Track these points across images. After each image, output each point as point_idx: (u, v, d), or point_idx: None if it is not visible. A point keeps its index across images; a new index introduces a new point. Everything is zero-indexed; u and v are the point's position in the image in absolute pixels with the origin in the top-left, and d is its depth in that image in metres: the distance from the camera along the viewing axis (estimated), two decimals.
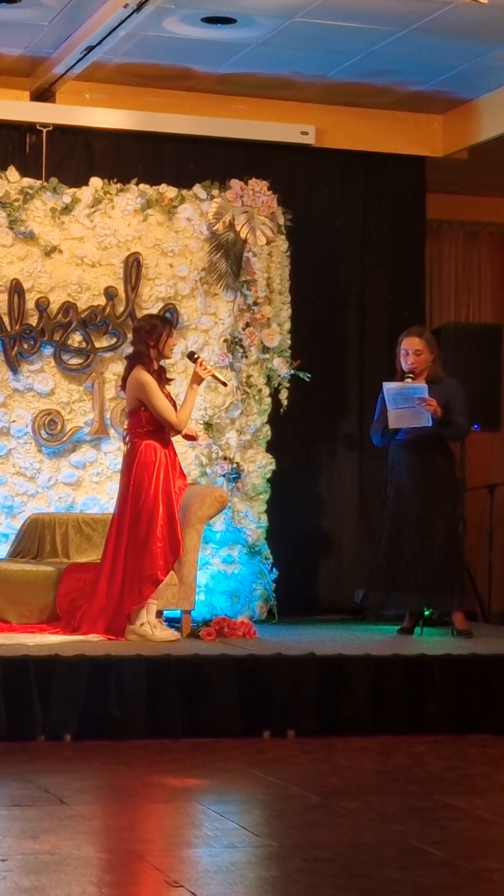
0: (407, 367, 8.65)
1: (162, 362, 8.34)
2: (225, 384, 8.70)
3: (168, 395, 8.28)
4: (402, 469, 8.69)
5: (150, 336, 8.23)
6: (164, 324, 8.38)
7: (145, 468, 8.13)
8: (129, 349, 8.57)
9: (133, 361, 8.28)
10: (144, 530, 8.07)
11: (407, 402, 8.54)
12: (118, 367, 9.17)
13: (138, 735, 7.09)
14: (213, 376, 8.45)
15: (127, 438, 8.37)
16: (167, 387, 8.34)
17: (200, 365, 8.34)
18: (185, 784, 6.34)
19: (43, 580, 8.40)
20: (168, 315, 9.18)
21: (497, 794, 6.13)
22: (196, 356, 8.45)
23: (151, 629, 8.00)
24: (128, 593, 8.04)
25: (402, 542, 8.63)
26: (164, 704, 7.16)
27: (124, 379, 8.34)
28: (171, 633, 8.05)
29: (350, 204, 10.30)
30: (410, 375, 8.63)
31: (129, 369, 8.29)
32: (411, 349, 8.69)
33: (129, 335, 8.96)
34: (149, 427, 8.21)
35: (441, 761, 6.84)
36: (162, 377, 8.28)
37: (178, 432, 8.25)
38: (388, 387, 8.60)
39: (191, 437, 8.55)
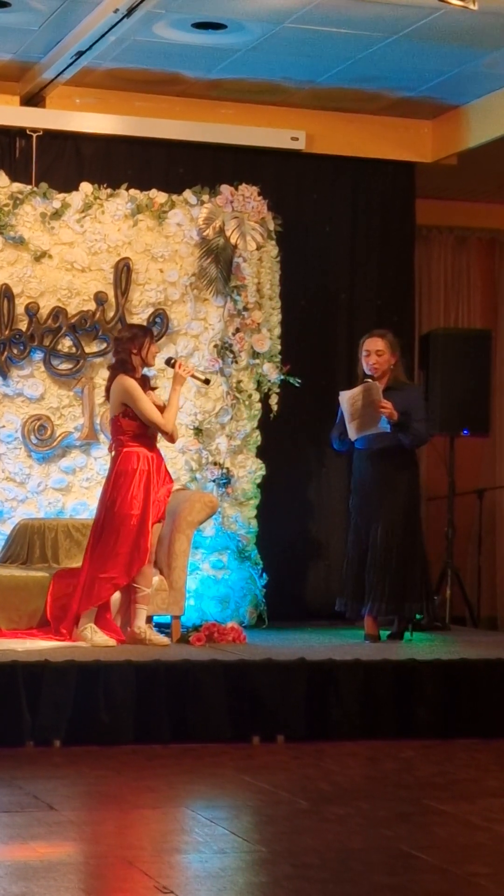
0: (368, 369, 8.62)
1: (145, 370, 8.37)
2: (206, 382, 8.69)
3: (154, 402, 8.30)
4: (363, 479, 8.66)
5: (133, 344, 8.25)
6: (145, 332, 8.41)
7: (124, 476, 8.16)
8: (112, 360, 8.57)
9: (116, 370, 8.30)
10: (115, 535, 8.10)
11: (362, 406, 8.48)
12: (108, 373, 9.16)
13: (127, 740, 7.08)
14: (193, 376, 8.51)
15: (112, 446, 8.40)
16: (153, 394, 8.35)
17: (179, 367, 8.39)
18: (174, 790, 6.34)
19: (32, 586, 8.40)
20: (158, 320, 9.20)
21: (486, 799, 6.13)
22: (173, 360, 8.51)
23: (91, 633, 7.99)
24: (85, 594, 8.06)
25: (354, 552, 8.65)
26: (153, 710, 7.16)
27: (107, 388, 8.36)
28: (107, 639, 7.99)
29: (340, 209, 10.31)
30: (369, 378, 8.59)
31: (111, 378, 8.31)
32: (373, 350, 8.64)
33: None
34: (130, 433, 8.23)
35: (430, 766, 6.85)
36: (146, 385, 8.31)
37: (166, 433, 8.26)
38: (344, 396, 8.56)
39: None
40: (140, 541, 8.11)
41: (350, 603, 8.72)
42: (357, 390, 8.55)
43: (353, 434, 8.56)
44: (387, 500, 8.58)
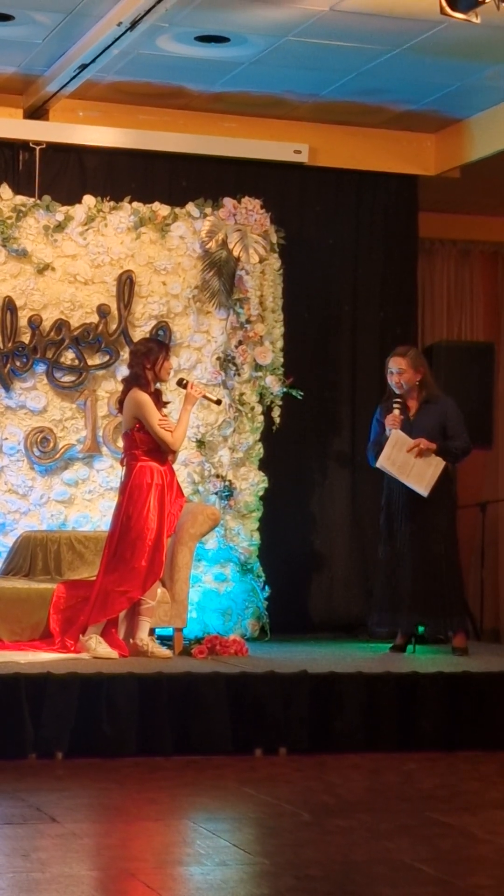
0: (393, 386, 8.69)
1: (158, 385, 8.38)
2: (218, 402, 8.75)
3: (165, 418, 8.29)
4: (398, 488, 8.66)
5: (147, 358, 8.28)
6: (161, 347, 8.43)
7: (139, 490, 8.17)
8: (126, 372, 8.58)
9: (130, 384, 8.32)
10: (131, 549, 8.10)
11: (404, 457, 8.50)
12: (111, 385, 9.18)
13: (130, 753, 7.08)
14: (205, 396, 8.53)
15: (124, 460, 8.40)
16: (164, 409, 8.36)
17: (192, 387, 8.41)
18: (176, 802, 6.34)
19: (35, 598, 8.40)
20: (161, 334, 9.21)
21: (488, 811, 6.13)
22: (185, 381, 8.53)
23: (96, 644, 7.99)
24: (98, 606, 8.05)
25: (399, 562, 8.62)
26: (155, 722, 7.15)
27: (120, 401, 8.37)
28: (110, 651, 8.00)
29: (342, 222, 10.32)
30: (398, 401, 8.63)
31: (125, 392, 8.33)
32: (395, 369, 8.73)
33: (123, 354, 8.99)
34: (144, 448, 8.24)
35: (432, 778, 6.84)
36: (158, 400, 8.33)
37: (173, 451, 8.28)
38: (382, 462, 8.53)
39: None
40: (156, 556, 8.12)
41: (383, 615, 8.69)
42: (386, 449, 8.54)
43: (426, 492, 8.51)
44: (423, 509, 8.57)
